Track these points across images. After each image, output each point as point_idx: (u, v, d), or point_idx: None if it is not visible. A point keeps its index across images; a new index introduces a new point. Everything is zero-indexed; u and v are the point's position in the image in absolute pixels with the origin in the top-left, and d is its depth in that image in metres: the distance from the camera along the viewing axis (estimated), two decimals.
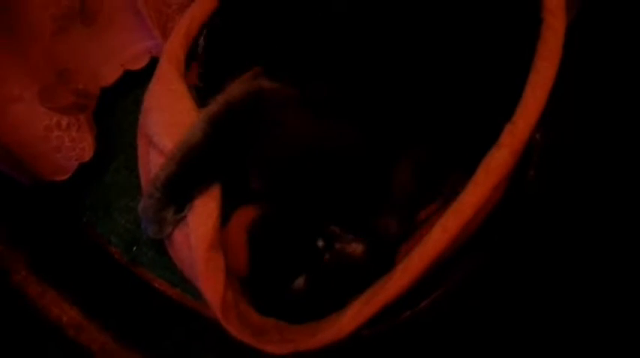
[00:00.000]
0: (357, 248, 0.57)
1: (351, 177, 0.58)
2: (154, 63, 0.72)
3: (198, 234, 0.55)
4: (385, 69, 0.61)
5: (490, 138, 0.58)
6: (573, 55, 0.60)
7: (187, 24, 0.68)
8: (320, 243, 0.57)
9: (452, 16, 0.61)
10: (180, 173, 0.57)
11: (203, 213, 0.56)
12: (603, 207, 0.65)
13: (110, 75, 0.72)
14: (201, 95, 0.66)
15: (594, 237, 0.64)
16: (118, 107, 0.75)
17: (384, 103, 0.60)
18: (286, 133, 0.59)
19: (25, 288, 0.50)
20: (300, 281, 0.57)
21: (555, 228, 0.66)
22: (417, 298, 0.60)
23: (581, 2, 0.69)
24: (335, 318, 0.56)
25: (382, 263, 0.58)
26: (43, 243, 0.61)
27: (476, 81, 0.60)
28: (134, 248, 0.69)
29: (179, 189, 0.57)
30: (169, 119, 0.61)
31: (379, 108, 0.60)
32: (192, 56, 0.69)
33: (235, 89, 0.63)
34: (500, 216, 0.60)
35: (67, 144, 0.66)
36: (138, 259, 0.68)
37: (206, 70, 0.70)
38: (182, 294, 0.65)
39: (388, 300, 0.54)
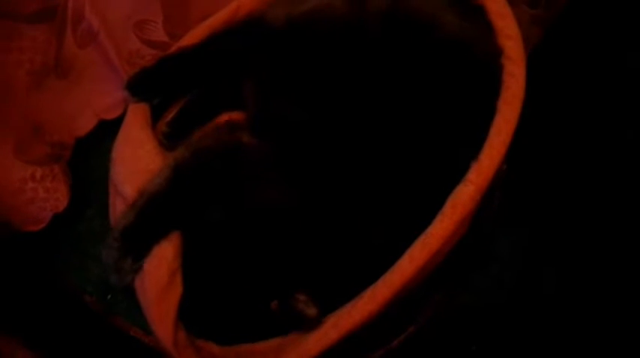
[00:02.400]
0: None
1: (314, 247, 0.59)
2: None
3: (151, 278, 0.56)
4: (359, 121, 0.63)
5: (455, 175, 0.61)
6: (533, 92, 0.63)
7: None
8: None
9: (422, 66, 0.64)
10: (138, 223, 0.58)
11: (158, 256, 0.57)
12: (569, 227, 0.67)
13: (85, 125, 0.74)
14: (170, 141, 0.69)
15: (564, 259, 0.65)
16: (92, 156, 0.76)
17: (355, 171, 0.62)
18: (259, 192, 0.60)
19: None
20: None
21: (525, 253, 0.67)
22: (389, 336, 0.60)
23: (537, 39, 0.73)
24: (300, 340, 0.56)
25: None
26: (15, 298, 0.60)
27: (443, 125, 0.63)
28: (109, 296, 0.69)
29: (137, 239, 0.58)
30: (131, 167, 0.64)
31: (351, 177, 0.62)
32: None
33: (208, 139, 0.65)
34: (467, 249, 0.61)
35: (41, 196, 0.66)
36: (113, 307, 0.68)
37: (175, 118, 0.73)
38: (158, 341, 0.65)
39: (354, 326, 0.55)
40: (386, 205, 0.61)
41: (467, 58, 0.65)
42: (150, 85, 0.70)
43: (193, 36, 0.74)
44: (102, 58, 0.72)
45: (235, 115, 0.76)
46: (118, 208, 0.63)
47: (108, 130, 0.74)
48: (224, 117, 0.76)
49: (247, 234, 0.58)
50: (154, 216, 0.58)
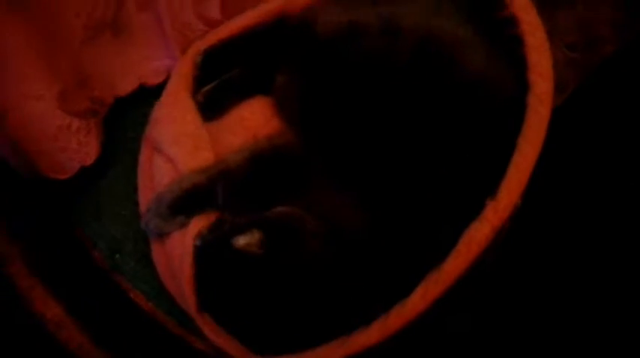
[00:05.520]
0: None
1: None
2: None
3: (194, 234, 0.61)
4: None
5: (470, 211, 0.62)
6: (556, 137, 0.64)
7: (202, 46, 0.74)
8: None
9: (444, 101, 0.65)
10: (207, 187, 0.64)
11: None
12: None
13: (126, 86, 0.76)
14: (205, 111, 0.73)
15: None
16: (127, 118, 0.77)
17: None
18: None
19: (17, 279, 0.52)
20: None
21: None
22: None
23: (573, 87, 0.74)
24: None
25: None
26: (37, 237, 0.62)
27: (461, 159, 0.64)
28: (117, 255, 0.71)
29: (198, 200, 0.63)
30: (179, 129, 0.68)
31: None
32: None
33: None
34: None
35: (73, 146, 0.68)
36: (119, 267, 0.70)
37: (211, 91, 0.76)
38: (155, 309, 0.67)
39: (357, 351, 0.58)
40: (400, 235, 0.62)
41: (490, 95, 0.66)
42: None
43: (243, 19, 0.76)
44: (156, 25, 0.74)
45: (266, 101, 0.77)
46: (157, 165, 0.67)
47: (146, 96, 0.77)
48: (256, 100, 0.78)
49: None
50: (224, 187, 0.64)
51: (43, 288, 0.52)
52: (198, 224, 0.63)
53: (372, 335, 0.58)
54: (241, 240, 0.58)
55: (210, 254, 0.61)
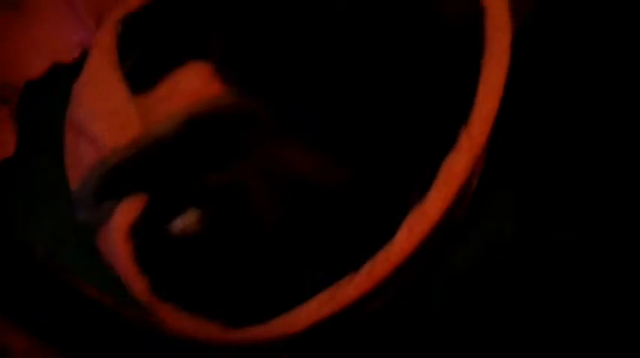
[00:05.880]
0: None
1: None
2: (84, 57, 0.69)
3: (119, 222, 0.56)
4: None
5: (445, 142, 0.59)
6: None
7: (120, 12, 0.68)
8: None
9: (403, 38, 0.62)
10: (136, 162, 0.57)
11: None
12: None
13: (37, 67, 0.68)
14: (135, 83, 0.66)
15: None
16: (43, 102, 0.70)
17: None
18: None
19: None
20: None
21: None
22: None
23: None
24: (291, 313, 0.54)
25: None
26: None
27: (427, 90, 0.61)
28: (60, 253, 0.63)
29: (129, 178, 0.57)
30: (101, 106, 0.62)
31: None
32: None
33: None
34: None
35: None
36: (67, 265, 0.62)
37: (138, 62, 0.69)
38: (114, 299, 0.59)
39: (351, 300, 0.54)
40: (375, 179, 0.59)
41: (446, 21, 0.63)
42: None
43: None
44: None
45: (203, 66, 0.70)
46: (84, 148, 0.61)
47: (61, 75, 0.69)
48: (190, 66, 0.71)
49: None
50: (157, 159, 0.58)
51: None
52: (126, 216, 0.56)
53: (360, 283, 0.54)
54: (178, 225, 0.54)
55: (150, 247, 0.56)
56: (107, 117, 0.61)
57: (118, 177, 0.57)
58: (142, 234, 0.54)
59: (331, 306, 0.54)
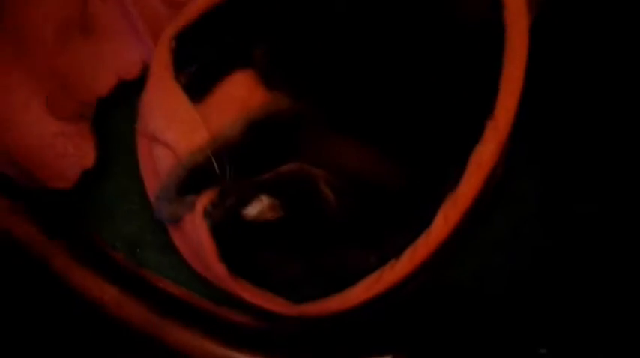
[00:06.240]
0: None
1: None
2: (146, 73, 0.75)
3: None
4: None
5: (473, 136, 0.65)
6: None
7: (174, 30, 0.74)
8: None
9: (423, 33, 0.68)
10: (208, 163, 0.64)
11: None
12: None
13: (105, 85, 0.75)
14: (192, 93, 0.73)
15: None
16: (114, 116, 0.77)
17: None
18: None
19: (67, 273, 0.52)
20: None
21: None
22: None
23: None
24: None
25: None
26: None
27: (455, 87, 0.66)
28: (138, 251, 0.71)
29: (204, 178, 0.64)
30: (170, 116, 0.69)
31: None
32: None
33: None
34: None
35: (70, 151, 0.68)
36: (143, 262, 0.70)
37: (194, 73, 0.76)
38: (188, 293, 0.68)
39: (395, 282, 0.61)
40: (414, 171, 0.65)
41: (469, 19, 0.68)
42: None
43: None
44: (123, 17, 0.73)
45: (248, 74, 0.78)
46: (157, 154, 0.69)
47: (128, 91, 0.77)
48: (237, 75, 0.78)
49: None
50: (226, 160, 0.64)
51: (96, 275, 0.53)
52: (203, 201, 0.64)
53: (403, 266, 0.61)
54: (251, 210, 0.59)
55: (224, 229, 0.62)
56: (177, 125, 0.68)
57: (196, 175, 0.64)
58: (214, 216, 0.61)
59: (377, 288, 0.61)
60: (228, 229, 0.61)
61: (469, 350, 0.64)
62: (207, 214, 0.62)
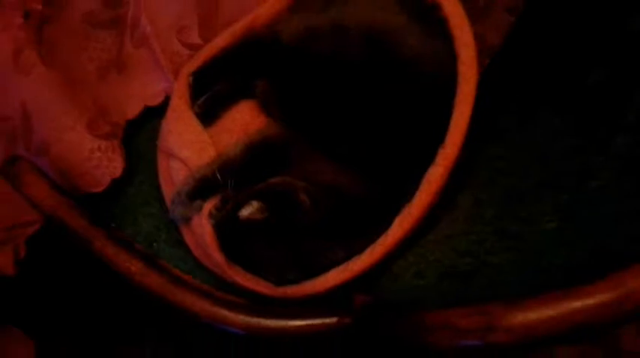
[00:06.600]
0: None
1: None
2: (167, 101, 0.90)
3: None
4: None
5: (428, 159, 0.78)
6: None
7: (191, 68, 0.90)
8: None
9: (393, 78, 0.81)
10: (214, 176, 0.79)
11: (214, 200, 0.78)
12: None
13: (134, 110, 0.91)
14: (204, 119, 0.88)
15: None
16: (139, 135, 0.92)
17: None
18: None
19: (103, 250, 0.68)
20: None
21: None
22: None
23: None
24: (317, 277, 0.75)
25: None
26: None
27: (415, 121, 0.80)
28: (154, 244, 0.85)
29: (210, 187, 0.79)
30: (185, 137, 0.84)
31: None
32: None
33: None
34: None
35: (104, 163, 0.83)
36: (158, 253, 0.84)
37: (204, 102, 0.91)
38: (192, 279, 0.83)
39: (358, 272, 0.74)
40: (379, 185, 0.79)
41: (427, 67, 0.81)
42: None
43: (219, 40, 0.92)
44: (150, 57, 0.88)
45: (251, 103, 0.93)
46: (173, 168, 0.83)
47: (151, 115, 0.92)
48: (242, 104, 0.93)
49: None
50: (228, 174, 0.79)
51: (126, 252, 0.68)
52: (209, 206, 0.79)
53: (365, 260, 0.75)
54: (244, 212, 0.73)
55: (224, 227, 0.76)
56: (190, 145, 0.82)
57: (204, 184, 0.79)
58: (216, 217, 0.76)
59: (344, 276, 0.74)
60: (227, 226, 0.76)
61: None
62: (210, 215, 0.78)
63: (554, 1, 0.91)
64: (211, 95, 0.92)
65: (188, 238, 0.83)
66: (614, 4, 0.72)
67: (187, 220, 0.80)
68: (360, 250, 0.76)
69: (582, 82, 0.72)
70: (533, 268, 0.61)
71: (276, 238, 0.75)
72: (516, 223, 0.69)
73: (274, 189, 0.77)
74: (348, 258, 0.76)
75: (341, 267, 0.75)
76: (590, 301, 0.45)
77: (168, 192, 0.85)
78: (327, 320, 0.62)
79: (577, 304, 0.45)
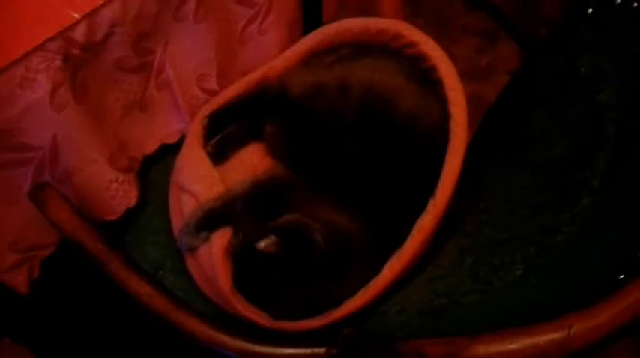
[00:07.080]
0: None
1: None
2: (182, 139, 0.99)
3: (218, 244, 0.84)
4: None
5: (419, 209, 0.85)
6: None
7: (206, 111, 0.99)
8: None
9: (390, 134, 0.89)
10: (221, 209, 0.86)
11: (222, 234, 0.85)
12: None
13: (152, 146, 0.99)
14: (215, 158, 0.96)
15: None
16: (154, 169, 1.01)
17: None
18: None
19: (117, 273, 0.74)
20: None
21: None
22: None
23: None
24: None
25: None
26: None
27: (409, 174, 0.88)
28: (160, 272, 0.92)
29: (216, 220, 0.86)
30: (196, 173, 0.92)
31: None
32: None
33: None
34: None
35: (120, 194, 0.90)
36: (163, 280, 0.89)
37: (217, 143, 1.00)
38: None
39: (349, 312, 0.81)
40: (375, 229, 0.86)
41: (422, 125, 0.90)
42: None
43: (234, 89, 1.02)
44: (171, 100, 0.97)
45: (260, 146, 1.02)
46: (184, 201, 0.91)
47: (166, 152, 1.01)
48: (251, 146, 1.02)
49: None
50: (234, 208, 0.87)
51: (137, 276, 0.74)
52: (223, 237, 0.85)
53: (358, 300, 0.81)
54: (262, 244, 0.79)
55: (241, 255, 0.83)
56: (201, 180, 0.90)
57: (211, 217, 0.86)
58: (237, 246, 0.82)
59: (340, 314, 0.80)
60: (243, 255, 0.83)
61: None
62: (232, 244, 0.84)
63: (546, 69, 1.01)
64: (223, 137, 1.00)
65: (192, 268, 0.89)
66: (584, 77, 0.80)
67: (193, 249, 0.87)
68: (354, 291, 0.83)
69: (551, 149, 0.80)
70: (498, 308, 0.68)
71: (287, 272, 0.81)
72: (489, 269, 0.75)
73: (291, 227, 0.83)
74: (345, 297, 0.82)
75: (342, 306, 0.81)
76: (543, 338, 0.52)
77: (177, 223, 0.92)
78: (316, 350, 0.68)
79: (533, 340, 0.52)
